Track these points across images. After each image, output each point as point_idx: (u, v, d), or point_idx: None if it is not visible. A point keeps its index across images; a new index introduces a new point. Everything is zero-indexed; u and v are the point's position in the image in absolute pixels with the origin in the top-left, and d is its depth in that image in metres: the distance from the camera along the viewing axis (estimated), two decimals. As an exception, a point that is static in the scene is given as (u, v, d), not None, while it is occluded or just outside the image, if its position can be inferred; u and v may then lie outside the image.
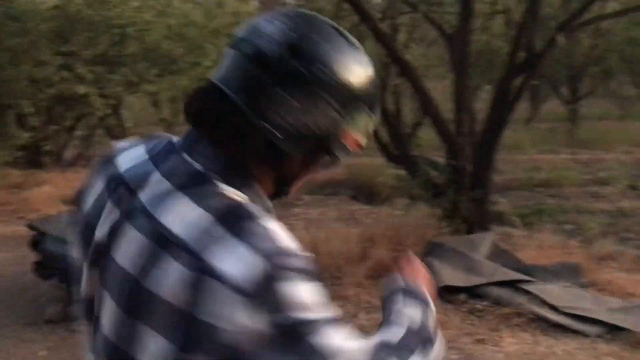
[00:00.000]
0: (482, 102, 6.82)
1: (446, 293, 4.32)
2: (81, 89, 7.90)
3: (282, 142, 0.86)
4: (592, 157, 11.28)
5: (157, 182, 0.87)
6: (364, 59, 0.93)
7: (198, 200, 0.83)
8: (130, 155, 0.93)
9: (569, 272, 4.80)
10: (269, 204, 0.91)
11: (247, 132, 0.86)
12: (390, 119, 5.67)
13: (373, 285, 4.48)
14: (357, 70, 0.90)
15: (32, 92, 7.92)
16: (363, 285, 4.44)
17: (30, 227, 4.50)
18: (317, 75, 0.86)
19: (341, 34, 0.91)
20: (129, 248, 0.84)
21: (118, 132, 12.82)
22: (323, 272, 4.67)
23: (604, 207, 7.66)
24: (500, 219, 5.99)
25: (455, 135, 4.87)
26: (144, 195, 0.86)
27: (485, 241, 5.01)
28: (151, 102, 15.13)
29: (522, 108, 18.18)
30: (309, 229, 5.69)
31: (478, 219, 5.09)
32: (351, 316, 4.06)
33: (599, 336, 3.82)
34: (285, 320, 0.77)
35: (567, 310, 4.05)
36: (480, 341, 3.79)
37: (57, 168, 9.16)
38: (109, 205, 0.90)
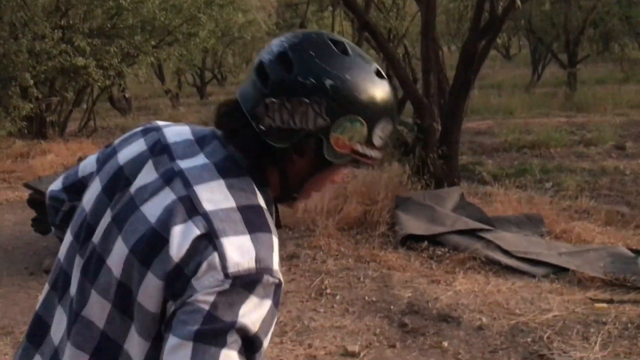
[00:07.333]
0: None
1: (409, 241, 4.67)
2: (80, 61, 8.23)
3: (267, 136, 0.97)
4: (586, 120, 11.35)
5: (200, 158, 1.01)
6: (363, 73, 0.98)
7: (230, 189, 0.96)
8: (175, 131, 1.08)
9: (531, 223, 5.10)
10: (270, 196, 1.03)
11: (251, 137, 0.99)
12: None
13: (342, 235, 4.84)
14: (345, 79, 0.96)
15: (33, 65, 8.26)
16: (333, 235, 4.79)
17: (27, 186, 4.89)
18: (299, 80, 0.95)
19: (336, 48, 0.99)
20: (159, 202, 0.96)
21: (121, 104, 13.19)
22: (299, 225, 5.04)
23: (587, 166, 7.86)
24: (475, 176, 6.27)
25: (423, 95, 5.15)
26: (184, 164, 0.99)
27: (452, 196, 5.32)
28: (156, 73, 15.47)
29: (525, 74, 18.27)
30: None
31: (446, 176, 5.39)
32: (321, 262, 4.43)
33: (545, 276, 4.13)
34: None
35: (519, 255, 4.36)
36: (435, 281, 4.12)
37: (60, 139, 9.55)
38: (149, 164, 1.02)
